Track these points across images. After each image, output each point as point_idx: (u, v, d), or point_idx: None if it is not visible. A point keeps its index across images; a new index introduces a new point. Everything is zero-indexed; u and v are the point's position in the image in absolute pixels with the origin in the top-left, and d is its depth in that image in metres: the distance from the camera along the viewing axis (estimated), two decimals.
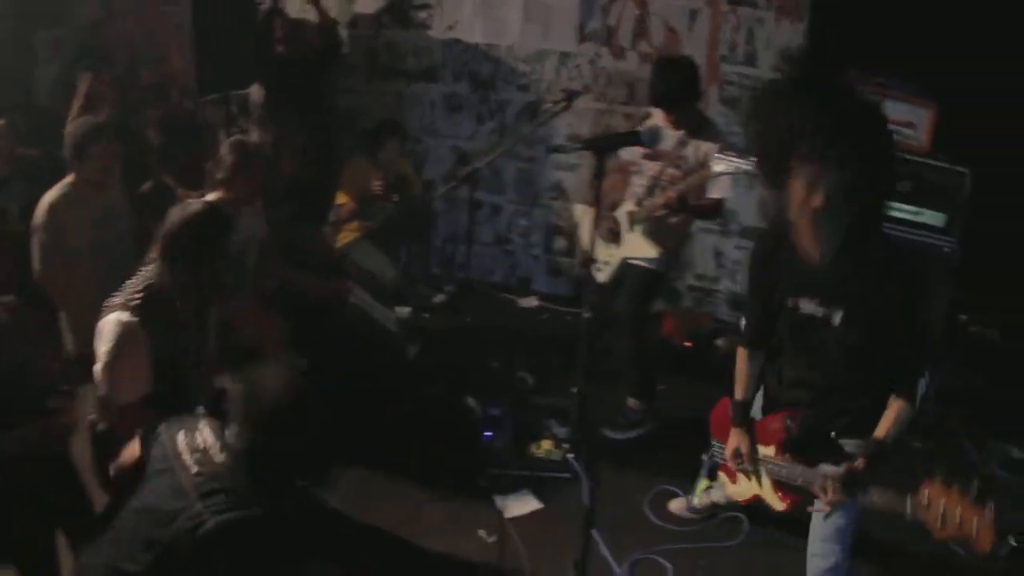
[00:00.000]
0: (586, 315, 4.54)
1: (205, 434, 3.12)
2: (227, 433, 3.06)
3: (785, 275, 3.76)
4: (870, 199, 3.36)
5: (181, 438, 3.14)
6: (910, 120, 6.47)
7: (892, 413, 3.64)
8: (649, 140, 3.64)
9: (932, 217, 6.56)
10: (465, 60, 7.65)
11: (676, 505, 5.24)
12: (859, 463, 3.56)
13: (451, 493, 5.17)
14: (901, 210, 6.50)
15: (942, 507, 3.25)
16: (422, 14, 7.65)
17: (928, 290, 3.45)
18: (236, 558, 2.90)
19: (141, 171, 6.59)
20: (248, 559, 2.93)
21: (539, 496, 5.26)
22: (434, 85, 7.78)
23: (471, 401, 5.79)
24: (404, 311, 6.99)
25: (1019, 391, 7.09)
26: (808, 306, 3.74)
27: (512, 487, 5.30)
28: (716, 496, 5.02)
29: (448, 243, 7.95)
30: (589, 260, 4.97)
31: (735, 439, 4.18)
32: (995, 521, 3.18)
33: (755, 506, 4.35)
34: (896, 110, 6.46)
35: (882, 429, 3.63)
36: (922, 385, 3.61)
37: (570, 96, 6.46)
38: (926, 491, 3.35)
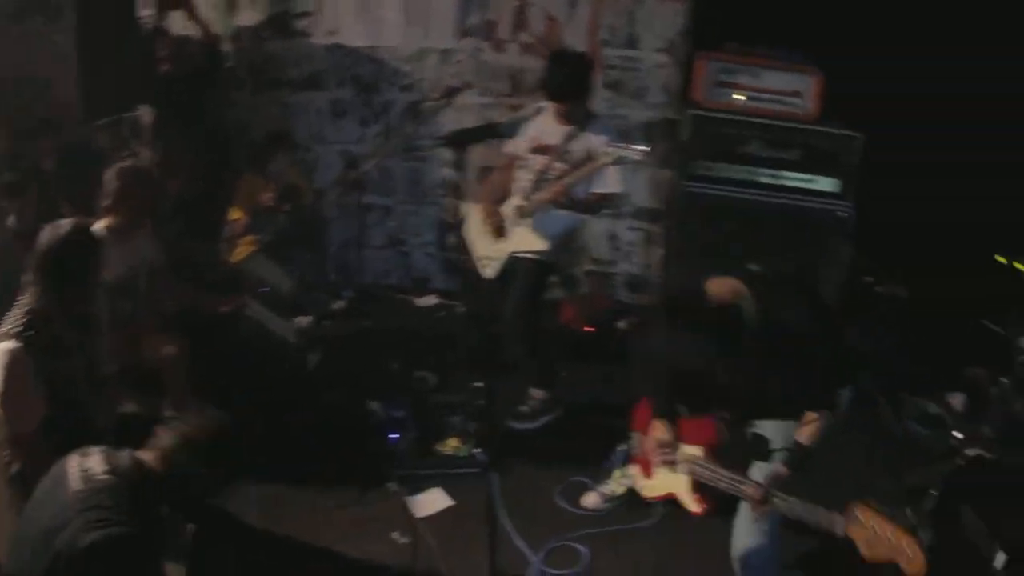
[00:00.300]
0: (461, 310, 4.53)
1: (96, 458, 3.10)
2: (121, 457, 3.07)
3: None
4: None
5: (74, 458, 3.11)
6: (796, 89, 6.55)
7: (815, 420, 3.71)
8: (510, 132, 3.62)
9: (826, 183, 6.65)
10: (348, 65, 7.61)
11: (590, 500, 5.24)
12: (783, 472, 3.67)
13: (361, 498, 5.11)
14: (793, 178, 6.59)
15: (873, 530, 3.26)
16: (303, 22, 7.57)
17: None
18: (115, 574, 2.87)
19: (42, 202, 6.48)
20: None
21: (449, 493, 5.21)
22: (319, 92, 7.71)
23: (374, 405, 5.74)
24: (304, 321, 6.93)
25: (932, 347, 7.20)
26: None
27: (422, 486, 5.25)
28: (630, 483, 5.04)
29: (343, 249, 7.89)
30: (475, 256, 4.98)
31: (659, 431, 4.17)
32: (925, 549, 3.19)
33: None
34: (781, 80, 6.54)
35: (806, 436, 3.70)
36: (845, 394, 3.69)
37: (449, 93, 6.46)
38: (856, 512, 3.36)
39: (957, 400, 7.13)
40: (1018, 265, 5.74)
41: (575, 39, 7.15)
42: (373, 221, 7.68)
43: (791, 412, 3.79)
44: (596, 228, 7.60)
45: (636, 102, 7.30)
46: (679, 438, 4.16)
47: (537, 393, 5.99)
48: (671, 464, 4.18)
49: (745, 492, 3.76)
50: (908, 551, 3.20)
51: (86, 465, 3.07)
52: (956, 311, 6.82)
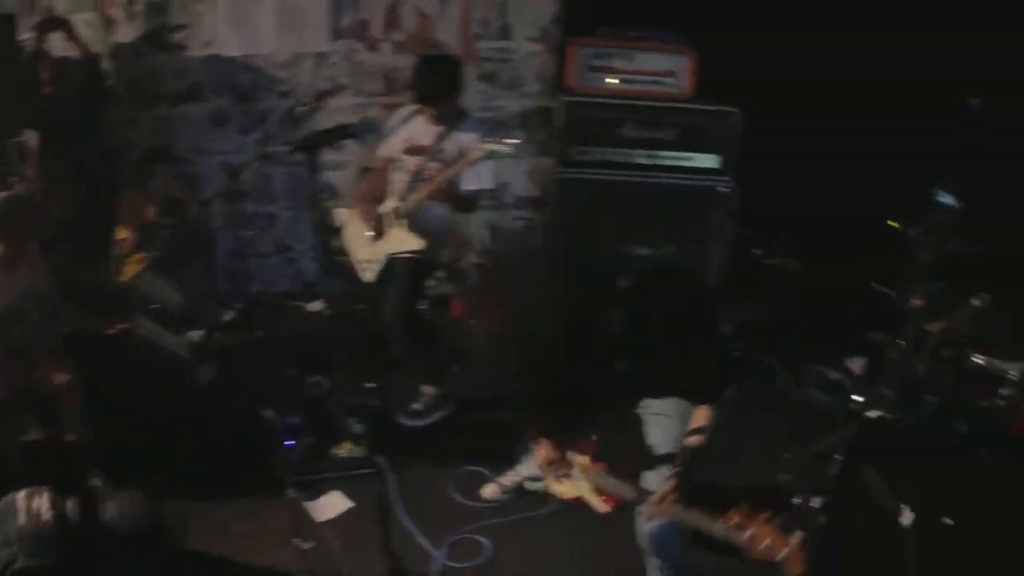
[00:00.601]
0: (350, 313, 4.53)
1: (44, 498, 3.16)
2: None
3: None
4: None
5: (23, 494, 3.20)
6: (669, 69, 6.61)
7: (700, 421, 3.68)
8: (362, 132, 3.63)
9: (705, 160, 6.73)
10: (225, 74, 7.53)
11: (489, 492, 5.27)
12: (673, 480, 3.60)
13: (262, 506, 5.11)
14: (671, 157, 6.65)
15: (752, 532, 3.31)
16: (179, 35, 7.48)
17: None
18: None
19: None
20: None
21: (348, 495, 5.23)
22: (198, 104, 7.61)
23: (269, 413, 5.71)
24: (195, 335, 6.88)
25: (827, 315, 7.32)
26: None
27: (321, 491, 5.27)
28: (525, 472, 5.07)
29: (230, 259, 7.83)
30: (354, 260, 4.98)
31: (543, 451, 4.19)
32: (803, 548, 3.24)
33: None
34: (654, 61, 6.61)
35: (693, 439, 3.66)
36: (729, 391, 3.64)
37: (320, 97, 6.44)
38: (736, 516, 3.41)
39: (857, 365, 7.25)
40: (892, 223, 5.86)
41: (448, 34, 7.19)
42: (258, 229, 7.64)
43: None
44: (480, 221, 7.64)
45: (512, 92, 7.34)
46: (566, 451, 4.19)
47: (428, 390, 6.03)
48: (565, 478, 4.21)
49: (636, 501, 3.80)
50: (785, 552, 3.26)
51: (34, 503, 3.13)
52: (850, 278, 6.96)
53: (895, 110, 6.98)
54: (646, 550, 4.02)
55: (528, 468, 5.06)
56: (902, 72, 6.90)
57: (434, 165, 5.68)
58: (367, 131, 3.70)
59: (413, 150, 5.76)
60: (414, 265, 5.86)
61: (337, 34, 7.32)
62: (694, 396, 3.77)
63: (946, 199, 6.08)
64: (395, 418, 5.99)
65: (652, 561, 4.06)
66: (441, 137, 5.68)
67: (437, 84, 5.58)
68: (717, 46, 6.65)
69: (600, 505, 4.17)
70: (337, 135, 3.82)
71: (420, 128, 5.76)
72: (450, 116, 5.68)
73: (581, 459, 4.09)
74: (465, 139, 5.61)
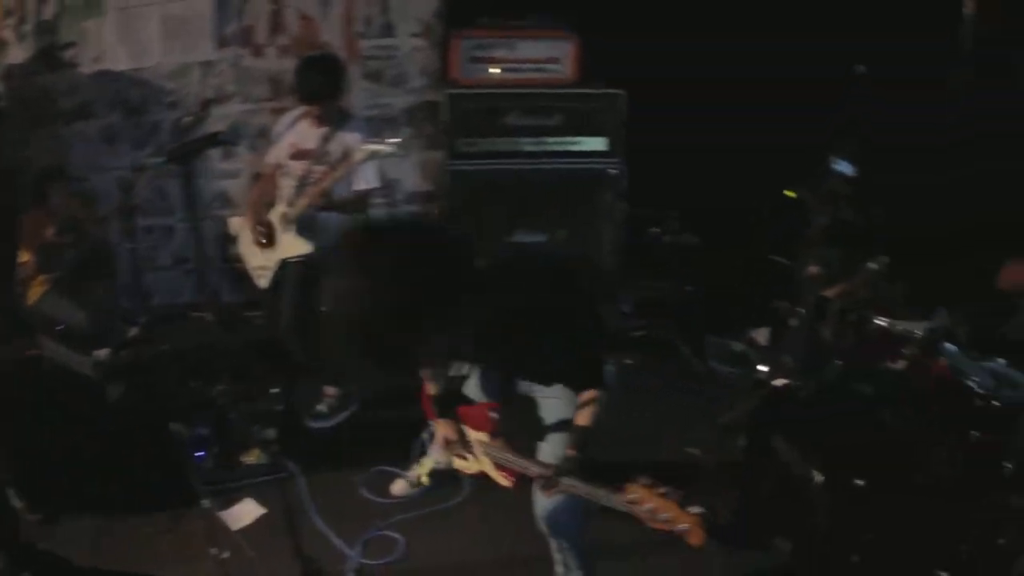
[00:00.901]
0: (209, 318, 4.54)
1: None
2: None
3: None
4: None
5: None
6: (552, 56, 6.68)
7: (588, 401, 3.70)
8: (232, 138, 3.63)
9: (593, 143, 6.80)
10: (115, 89, 7.46)
11: (398, 488, 5.34)
12: (571, 453, 3.67)
13: (178, 520, 5.15)
14: (558, 143, 6.73)
15: (651, 505, 3.37)
16: (69, 53, 7.43)
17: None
18: None
19: None
20: None
21: (260, 502, 5.29)
22: (90, 121, 7.56)
23: (177, 426, 5.70)
24: (101, 353, 6.85)
25: (728, 288, 7.43)
26: None
27: (233, 499, 5.33)
28: (430, 462, 5.14)
29: (131, 275, 7.68)
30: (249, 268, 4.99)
31: (442, 429, 4.25)
32: (703, 520, 3.31)
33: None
34: (536, 48, 6.67)
35: (583, 417, 3.69)
36: (609, 370, 3.64)
37: (205, 106, 6.43)
38: (634, 491, 3.47)
39: (762, 335, 7.39)
40: (789, 192, 5.95)
41: (332, 35, 7.21)
42: (157, 242, 7.60)
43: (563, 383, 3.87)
44: None
45: (397, 89, 7.37)
46: (464, 428, 4.25)
47: (331, 391, 6.08)
48: (466, 455, 4.27)
49: (533, 475, 3.86)
50: (684, 524, 3.34)
51: None
52: (748, 250, 7.08)
53: (784, 81, 7.11)
54: (544, 529, 4.10)
55: (432, 457, 5.15)
56: (791, 43, 7.03)
57: (319, 168, 5.71)
58: (237, 138, 3.66)
59: (299, 154, 5.79)
60: (304, 270, 5.88)
61: (222, 41, 7.28)
62: (574, 382, 3.80)
63: (842, 167, 6.20)
64: (301, 421, 6.05)
65: (551, 541, 4.15)
66: (326, 139, 5.71)
67: (318, 85, 5.60)
68: (601, 27, 6.75)
69: (502, 480, 4.23)
70: (207, 143, 3.82)
71: (305, 131, 5.79)
72: (333, 117, 5.72)
73: (478, 435, 4.15)
74: (349, 140, 5.63)
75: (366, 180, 5.75)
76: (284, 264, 5.93)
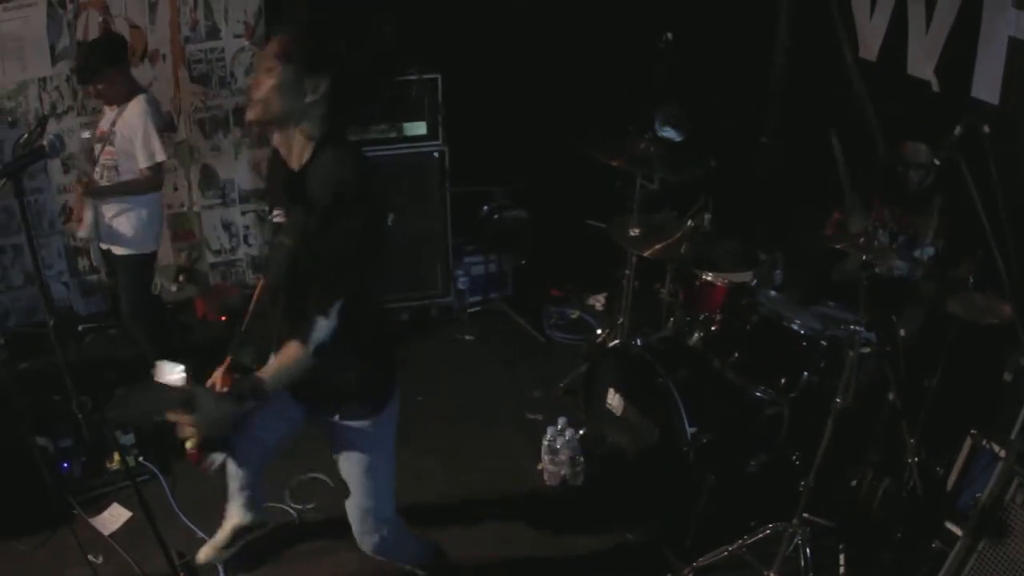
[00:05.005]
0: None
1: None
2: None
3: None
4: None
5: None
6: None
7: (283, 355, 3.38)
8: (54, 151, 3.72)
9: (414, 127, 7.00)
10: None
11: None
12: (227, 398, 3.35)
13: (52, 532, 5.29)
14: (382, 130, 6.92)
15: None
16: None
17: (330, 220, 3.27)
18: None
19: None
20: None
21: (127, 505, 5.47)
22: None
23: (41, 440, 5.79)
24: None
25: (562, 257, 7.71)
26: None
27: (103, 505, 5.51)
28: None
29: None
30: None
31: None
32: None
33: None
34: None
35: (266, 370, 3.37)
36: (323, 327, 3.31)
37: (41, 122, 6.46)
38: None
39: (599, 300, 7.70)
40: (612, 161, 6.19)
41: (161, 42, 7.32)
42: (7, 262, 7.59)
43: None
44: (210, 219, 7.91)
45: (225, 90, 7.53)
46: None
47: None
48: None
49: None
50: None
51: None
52: (576, 218, 7.36)
53: (597, 51, 7.39)
54: None
55: None
56: (602, 13, 7.32)
57: (110, 149, 5.89)
58: (58, 150, 3.73)
59: (99, 138, 5.96)
60: (131, 261, 6.08)
61: (57, 57, 7.29)
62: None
63: (668, 132, 6.46)
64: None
65: None
66: (114, 121, 5.85)
67: (80, 67, 5.88)
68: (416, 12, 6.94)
69: None
70: (34, 157, 3.90)
71: (105, 115, 5.98)
72: (119, 96, 5.85)
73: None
74: (127, 115, 5.80)
75: (153, 155, 5.85)
76: (109, 259, 6.15)
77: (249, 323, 4.05)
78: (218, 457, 3.83)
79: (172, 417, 3.16)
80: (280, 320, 3.62)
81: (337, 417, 3.84)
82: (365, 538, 4.19)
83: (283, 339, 3.41)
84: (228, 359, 3.95)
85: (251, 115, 3.36)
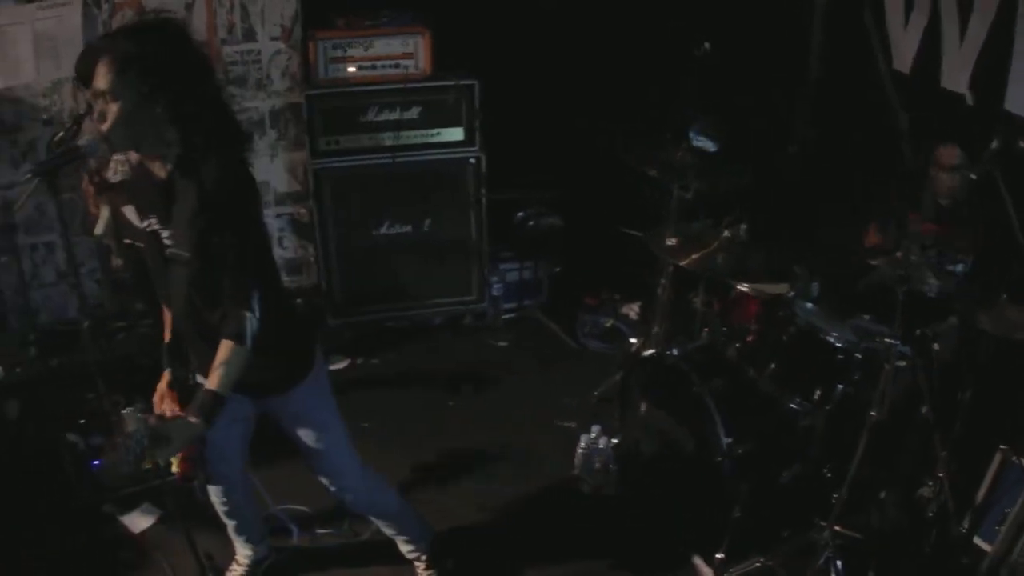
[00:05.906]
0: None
1: None
2: None
3: None
4: None
5: None
6: (406, 51, 6.87)
7: (222, 357, 3.40)
8: (91, 151, 3.72)
9: (451, 133, 7.02)
10: None
11: None
12: (191, 418, 3.41)
13: (83, 528, 5.33)
14: (418, 136, 6.96)
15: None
16: None
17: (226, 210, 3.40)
18: None
19: None
20: None
21: (157, 504, 5.45)
22: None
23: (73, 437, 5.83)
24: None
25: (597, 265, 7.69)
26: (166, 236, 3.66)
27: (132, 504, 5.51)
28: None
29: (14, 294, 7.74)
30: None
31: None
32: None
33: None
34: (391, 45, 6.86)
35: (213, 380, 3.39)
36: (252, 320, 3.39)
37: (77, 120, 6.47)
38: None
39: (633, 310, 7.68)
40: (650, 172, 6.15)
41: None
42: (40, 260, 7.64)
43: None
44: None
45: (262, 93, 7.47)
46: None
47: None
48: None
49: None
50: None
51: None
52: (609, 227, 7.33)
53: (633, 60, 7.37)
54: None
55: None
56: (640, 23, 7.30)
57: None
58: (94, 150, 3.74)
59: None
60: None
61: None
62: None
63: (702, 142, 6.45)
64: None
65: None
66: None
67: (85, 68, 5.77)
68: (455, 19, 6.99)
69: None
70: (70, 156, 3.89)
71: None
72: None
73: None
74: None
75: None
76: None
77: (171, 336, 4.07)
78: (200, 474, 3.85)
79: (154, 459, 3.39)
80: (196, 328, 3.73)
81: (284, 389, 3.99)
82: (346, 495, 4.47)
83: (203, 345, 3.62)
84: (165, 374, 4.02)
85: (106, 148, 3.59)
